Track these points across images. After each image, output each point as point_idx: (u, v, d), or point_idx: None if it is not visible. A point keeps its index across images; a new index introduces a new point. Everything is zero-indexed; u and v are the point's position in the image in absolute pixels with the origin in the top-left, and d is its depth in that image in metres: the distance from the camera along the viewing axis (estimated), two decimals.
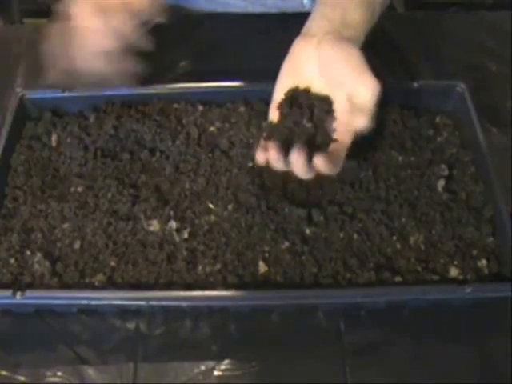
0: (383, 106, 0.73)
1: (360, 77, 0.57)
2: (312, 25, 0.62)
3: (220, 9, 0.92)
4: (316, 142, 0.60)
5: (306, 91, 0.62)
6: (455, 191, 0.67)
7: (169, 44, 0.80)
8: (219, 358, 0.59)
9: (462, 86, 0.73)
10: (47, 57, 0.67)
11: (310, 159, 0.57)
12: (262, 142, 0.62)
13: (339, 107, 0.60)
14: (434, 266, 0.61)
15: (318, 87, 0.61)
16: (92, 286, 0.60)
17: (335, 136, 0.60)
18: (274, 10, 0.91)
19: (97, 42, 0.65)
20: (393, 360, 0.59)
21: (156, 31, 0.67)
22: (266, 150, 0.59)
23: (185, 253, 0.62)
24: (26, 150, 0.72)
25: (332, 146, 0.60)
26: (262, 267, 0.61)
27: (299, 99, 0.61)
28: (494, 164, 0.66)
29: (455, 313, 0.61)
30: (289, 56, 0.63)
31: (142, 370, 0.59)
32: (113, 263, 0.62)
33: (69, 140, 0.73)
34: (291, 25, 0.79)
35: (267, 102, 0.75)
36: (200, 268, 0.61)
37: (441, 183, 0.68)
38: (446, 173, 0.69)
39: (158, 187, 0.68)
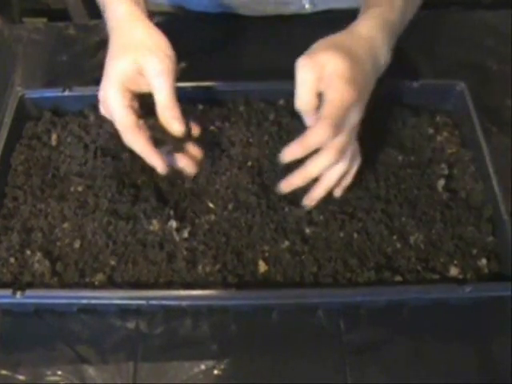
0: (383, 104, 0.74)
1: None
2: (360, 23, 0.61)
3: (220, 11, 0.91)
4: None
5: None
6: (455, 190, 0.67)
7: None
8: (219, 358, 0.59)
9: (461, 85, 0.73)
10: None
11: None
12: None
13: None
14: (433, 265, 0.61)
15: None
16: (92, 286, 0.60)
17: None
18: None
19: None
20: (392, 359, 0.59)
21: None
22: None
23: (185, 252, 0.62)
24: (25, 150, 0.72)
25: None
26: (262, 266, 0.61)
27: None
28: (493, 163, 0.66)
29: (455, 312, 0.61)
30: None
31: (141, 370, 0.59)
32: (113, 262, 0.62)
33: (69, 139, 0.73)
34: (291, 25, 0.79)
35: (267, 101, 0.75)
36: (200, 267, 0.61)
37: (441, 182, 0.68)
38: (446, 172, 0.69)
39: (157, 187, 0.68)
